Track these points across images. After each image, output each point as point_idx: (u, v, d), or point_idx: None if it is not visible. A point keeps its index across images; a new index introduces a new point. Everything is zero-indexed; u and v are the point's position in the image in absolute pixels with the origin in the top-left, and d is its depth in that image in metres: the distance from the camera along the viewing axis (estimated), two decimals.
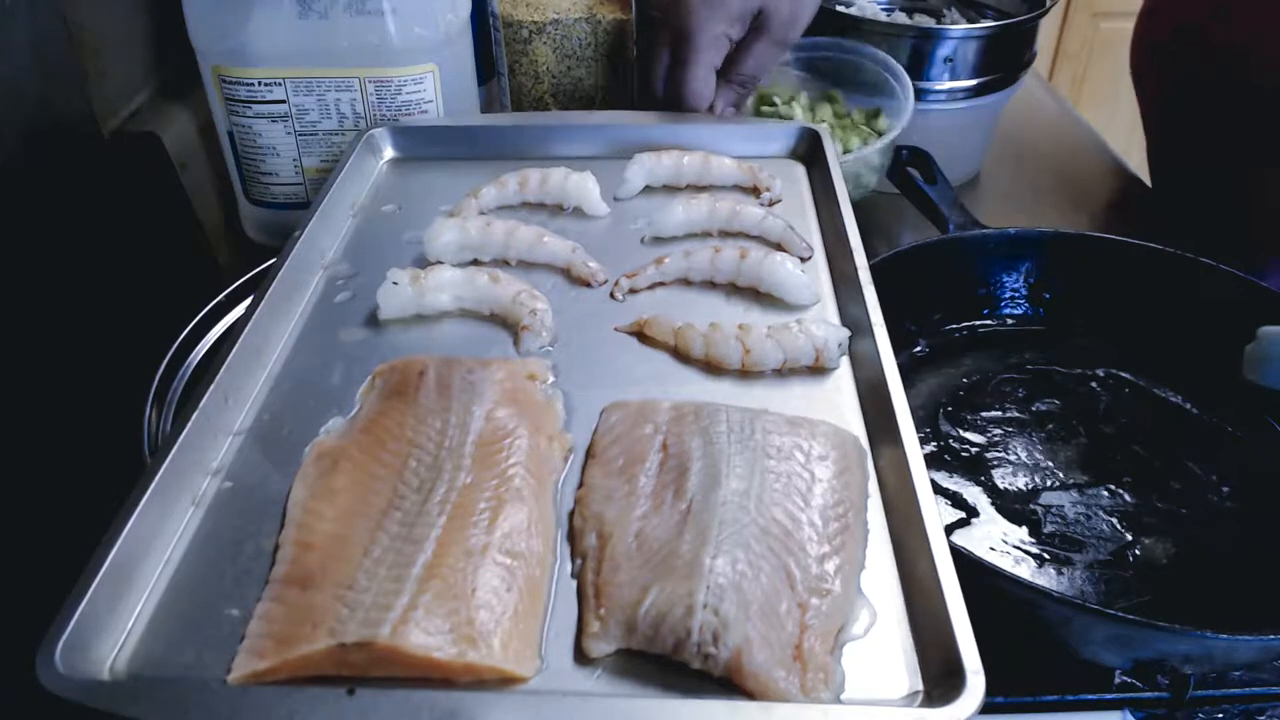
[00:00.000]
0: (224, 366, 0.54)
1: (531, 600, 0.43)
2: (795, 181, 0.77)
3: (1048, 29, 2.20)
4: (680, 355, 0.59)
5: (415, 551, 0.43)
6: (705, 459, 0.49)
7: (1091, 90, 2.45)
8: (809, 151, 0.79)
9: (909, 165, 0.93)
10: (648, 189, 0.76)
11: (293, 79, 0.80)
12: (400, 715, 0.38)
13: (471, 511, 0.46)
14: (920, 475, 0.48)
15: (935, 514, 0.46)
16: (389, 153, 0.80)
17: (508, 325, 0.62)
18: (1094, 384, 0.78)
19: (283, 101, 0.81)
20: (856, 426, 0.54)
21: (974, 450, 0.71)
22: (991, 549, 0.63)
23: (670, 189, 0.76)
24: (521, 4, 0.93)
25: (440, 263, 0.65)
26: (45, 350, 0.71)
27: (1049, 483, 0.68)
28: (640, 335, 0.61)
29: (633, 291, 0.65)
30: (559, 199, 0.73)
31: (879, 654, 0.42)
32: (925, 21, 1.05)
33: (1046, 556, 0.63)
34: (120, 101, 0.85)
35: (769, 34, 0.80)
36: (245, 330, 0.57)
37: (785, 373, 0.58)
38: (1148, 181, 1.15)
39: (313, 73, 0.80)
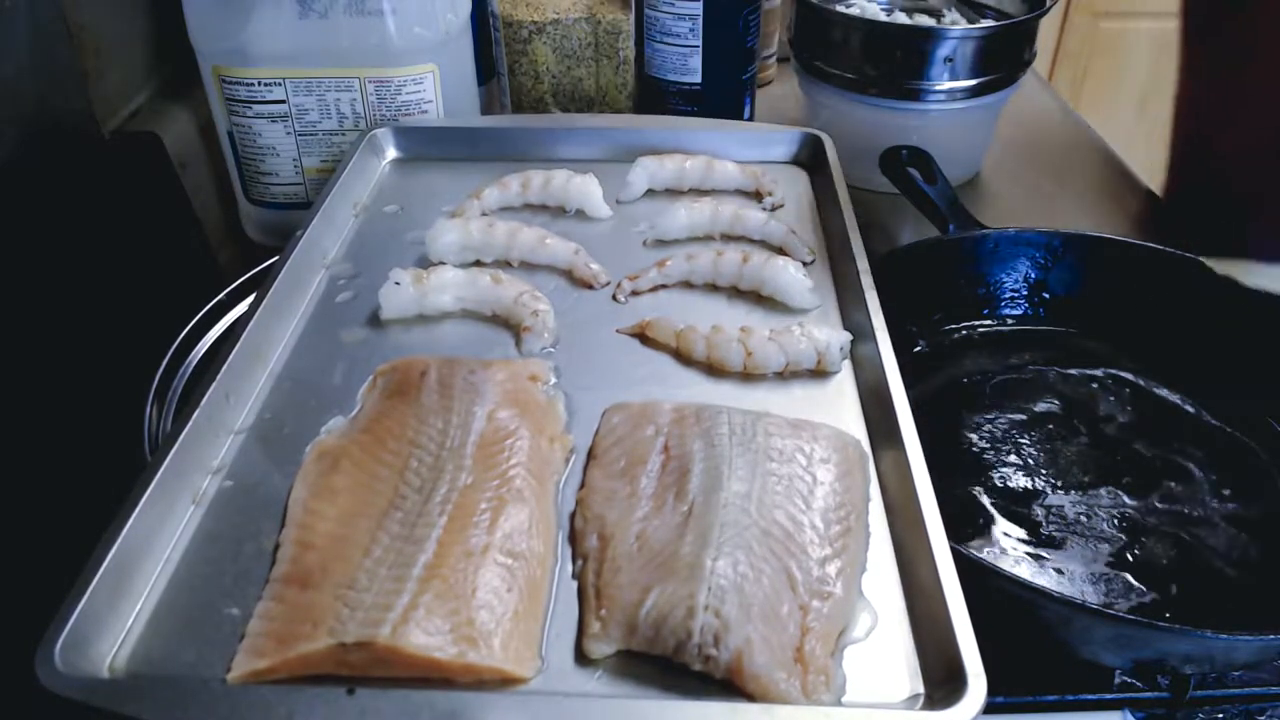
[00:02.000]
0: (225, 365, 0.54)
1: (532, 601, 0.43)
2: (797, 186, 0.77)
3: (1048, 29, 2.20)
4: (682, 357, 0.59)
5: (416, 551, 0.43)
6: (707, 461, 0.49)
7: (1091, 90, 2.45)
8: (811, 157, 0.80)
9: (909, 165, 0.93)
10: (650, 193, 0.76)
11: (293, 79, 0.80)
12: (400, 715, 0.38)
13: (472, 512, 0.46)
14: (922, 479, 0.48)
15: (937, 517, 0.46)
16: (391, 153, 0.81)
17: (509, 326, 0.62)
18: (1094, 384, 0.78)
19: (283, 101, 0.81)
20: (858, 430, 0.54)
21: (974, 450, 0.71)
22: (991, 549, 0.63)
23: (673, 193, 0.76)
24: (521, 4, 0.93)
25: (442, 263, 0.65)
26: (46, 349, 0.71)
27: (1049, 483, 0.68)
28: (642, 337, 0.61)
29: (635, 294, 0.65)
30: (561, 201, 0.73)
31: (880, 656, 0.42)
32: (925, 21, 1.05)
33: (1046, 557, 0.63)
34: (120, 101, 0.85)
35: None
36: (247, 329, 0.57)
37: (787, 375, 0.58)
38: (1146, 179, 1.14)
39: (313, 73, 0.80)
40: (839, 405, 0.56)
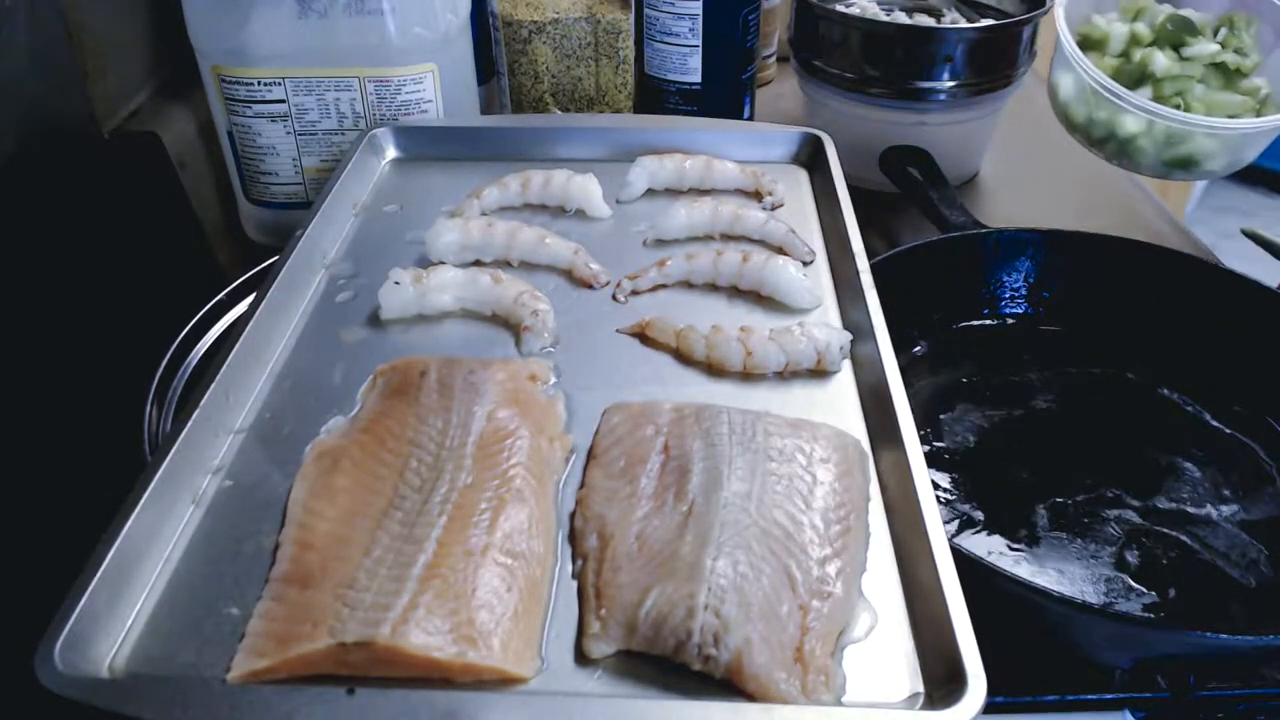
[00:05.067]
0: (225, 365, 0.54)
1: (532, 601, 0.43)
2: (797, 186, 0.77)
3: (1048, 28, 2.19)
4: (682, 357, 0.59)
5: (416, 551, 0.43)
6: (707, 461, 0.49)
7: None
8: (811, 157, 0.80)
9: (909, 165, 0.93)
10: (650, 192, 0.76)
11: (292, 79, 0.80)
12: (400, 715, 0.38)
13: (472, 512, 0.46)
14: (922, 478, 0.48)
15: (936, 516, 0.46)
16: (391, 153, 0.81)
17: (509, 326, 0.62)
18: (1094, 384, 0.78)
19: (282, 101, 0.81)
20: (858, 429, 0.54)
21: (974, 450, 0.71)
22: (991, 549, 0.63)
23: (673, 192, 0.76)
24: (521, 4, 0.93)
25: (442, 263, 0.65)
26: (46, 350, 0.71)
27: (1049, 483, 0.68)
28: (642, 337, 0.61)
29: (635, 293, 0.65)
30: (561, 201, 0.73)
31: (880, 656, 0.42)
32: (925, 21, 1.05)
33: (1047, 557, 0.63)
34: (120, 101, 0.85)
35: None
36: (246, 329, 0.57)
37: (787, 375, 0.58)
38: (1145, 178, 1.14)
39: (312, 73, 0.80)
40: (839, 405, 0.56)
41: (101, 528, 0.44)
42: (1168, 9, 0.84)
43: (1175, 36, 0.82)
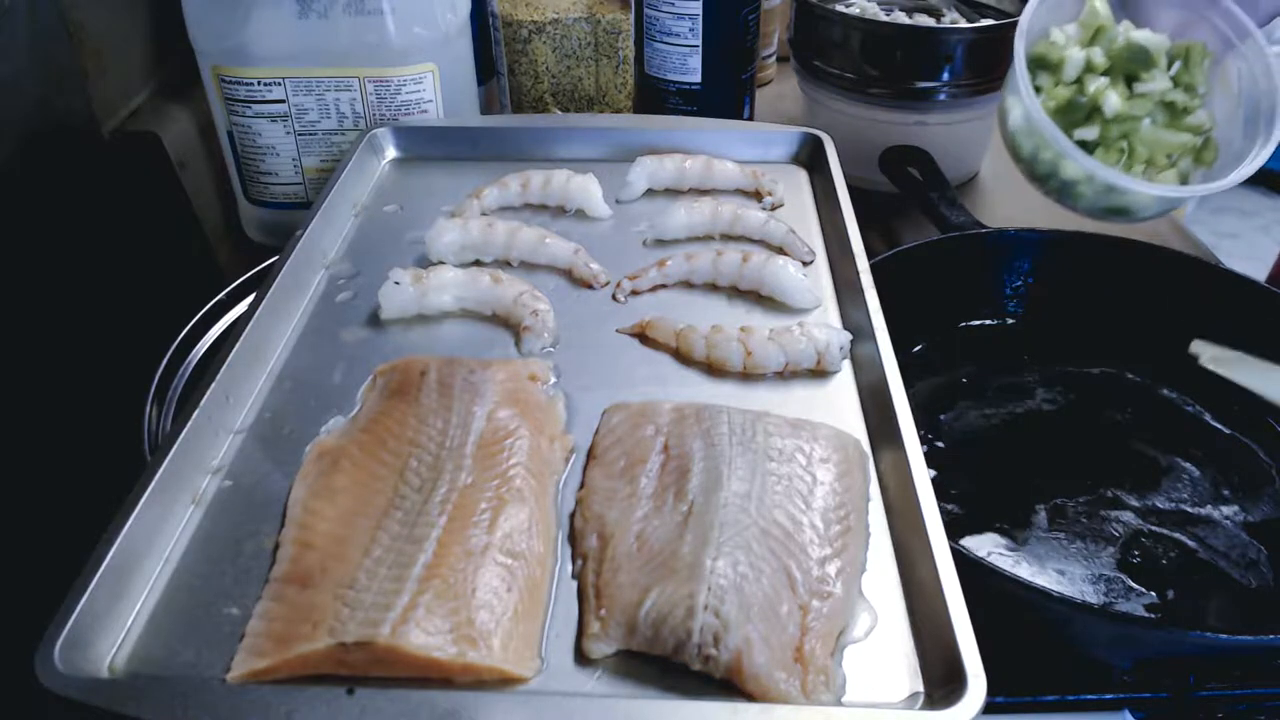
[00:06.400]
0: (225, 365, 0.54)
1: (532, 601, 0.43)
2: (798, 186, 0.77)
3: None
4: (682, 357, 0.59)
5: (416, 551, 0.43)
6: (706, 461, 0.49)
7: None
8: (811, 157, 0.80)
9: (909, 165, 0.93)
10: (650, 192, 0.76)
11: (292, 79, 0.80)
12: (399, 715, 0.38)
13: (472, 512, 0.46)
14: (921, 478, 0.48)
15: (936, 517, 0.46)
16: (391, 153, 0.81)
17: (509, 326, 0.62)
18: (1094, 383, 0.78)
19: (282, 101, 0.81)
20: (858, 429, 0.54)
21: (974, 450, 0.71)
22: (991, 549, 0.63)
23: (673, 192, 0.76)
24: (521, 4, 0.93)
25: (442, 263, 0.65)
26: (46, 349, 0.71)
27: (1049, 483, 0.68)
28: (642, 337, 0.61)
29: (634, 293, 0.65)
30: (561, 201, 0.73)
31: (880, 656, 0.42)
32: (925, 21, 1.05)
33: (1046, 557, 0.63)
34: (120, 101, 0.85)
35: None
36: (246, 329, 0.57)
37: (787, 375, 0.58)
38: None
39: (312, 72, 0.80)
40: (839, 405, 0.56)
41: (101, 527, 0.44)
42: (1126, 25, 0.84)
43: (1129, 67, 0.82)
